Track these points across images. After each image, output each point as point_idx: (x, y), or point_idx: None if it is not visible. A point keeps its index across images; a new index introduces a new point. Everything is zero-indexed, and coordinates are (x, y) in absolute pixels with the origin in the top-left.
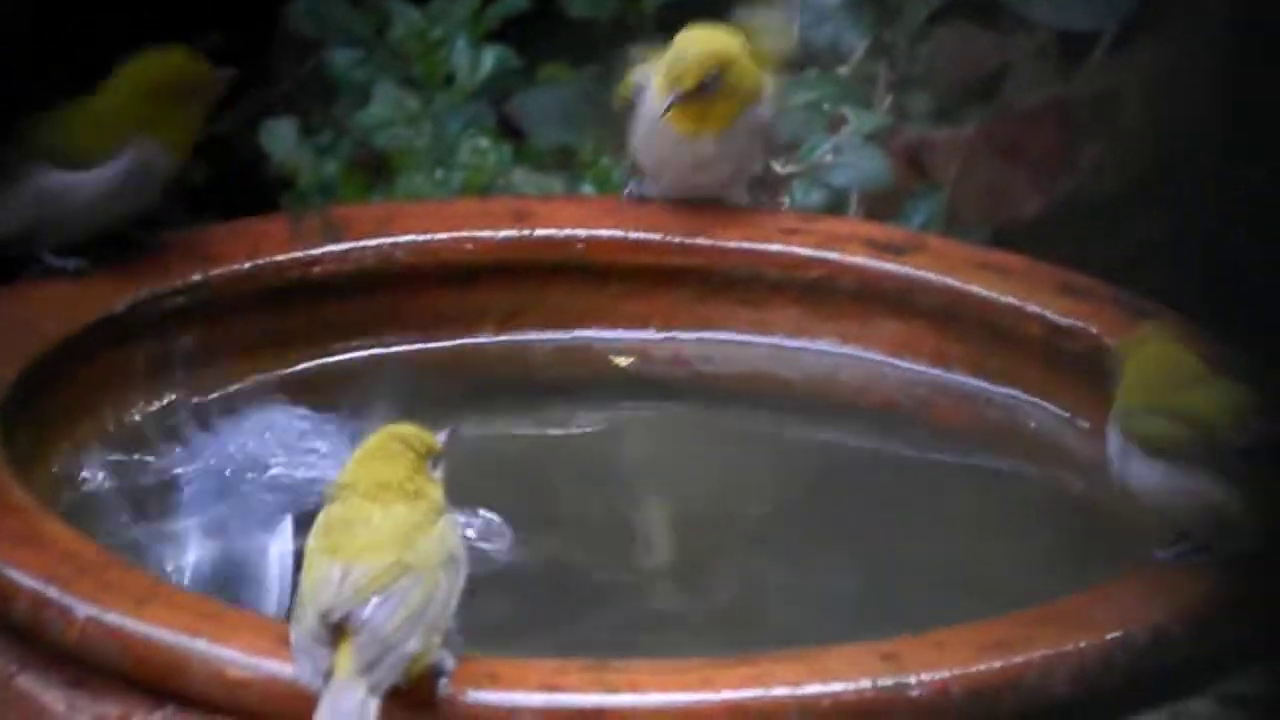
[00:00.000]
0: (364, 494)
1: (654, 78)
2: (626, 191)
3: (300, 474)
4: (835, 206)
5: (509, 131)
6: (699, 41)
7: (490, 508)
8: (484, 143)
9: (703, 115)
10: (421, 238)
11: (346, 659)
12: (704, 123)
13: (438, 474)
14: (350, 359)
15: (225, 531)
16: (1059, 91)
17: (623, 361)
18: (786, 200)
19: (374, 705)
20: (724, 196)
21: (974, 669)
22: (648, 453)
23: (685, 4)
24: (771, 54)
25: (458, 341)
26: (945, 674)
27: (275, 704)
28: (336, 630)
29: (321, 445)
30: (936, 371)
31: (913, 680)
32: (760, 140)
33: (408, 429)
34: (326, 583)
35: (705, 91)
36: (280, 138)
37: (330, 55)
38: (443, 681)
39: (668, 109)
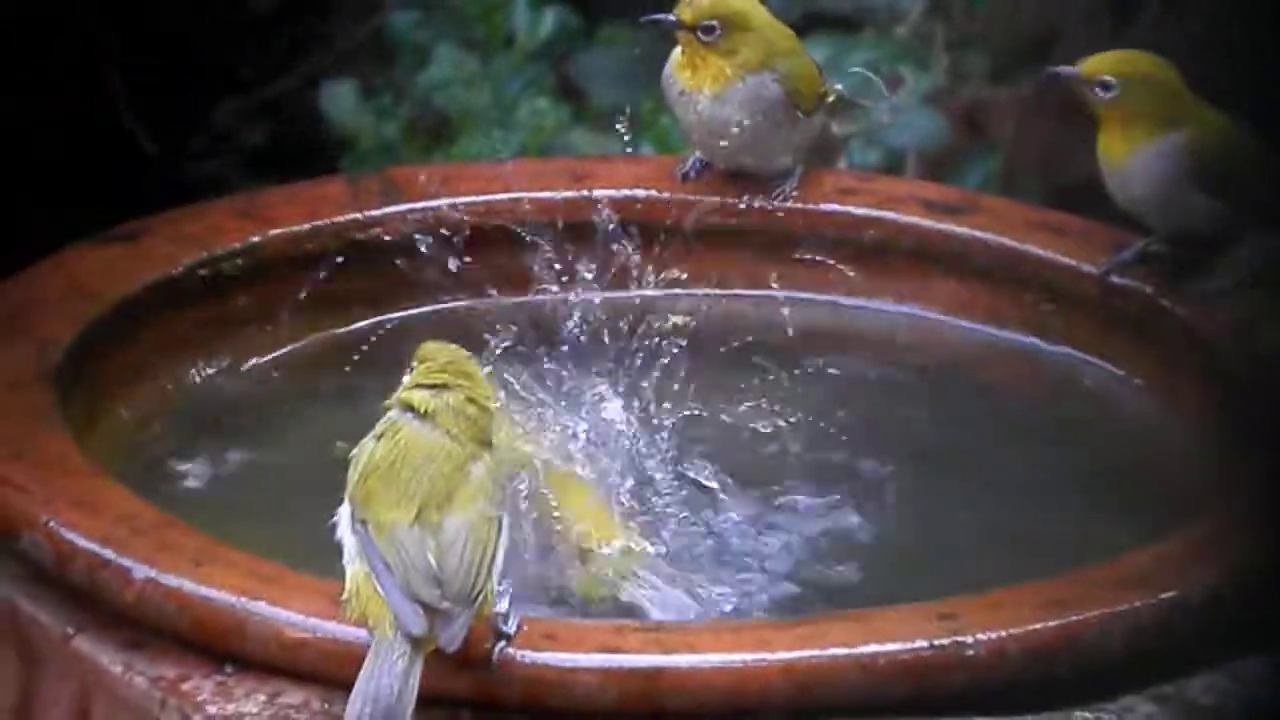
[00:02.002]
0: (428, 417)
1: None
2: (681, 168)
3: None
4: (892, 166)
5: (568, 92)
6: None
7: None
8: (543, 103)
9: (697, 68)
10: (480, 198)
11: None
12: (698, 76)
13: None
14: (408, 317)
15: None
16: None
17: (679, 320)
18: (844, 160)
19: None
20: (768, 168)
21: (1030, 628)
22: (706, 411)
23: None
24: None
25: (515, 300)
26: (1002, 633)
27: (332, 665)
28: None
29: None
30: (992, 330)
31: (969, 640)
32: (772, 116)
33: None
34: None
35: (699, 35)
36: (340, 100)
37: (390, 17)
38: (500, 645)
39: (654, 20)
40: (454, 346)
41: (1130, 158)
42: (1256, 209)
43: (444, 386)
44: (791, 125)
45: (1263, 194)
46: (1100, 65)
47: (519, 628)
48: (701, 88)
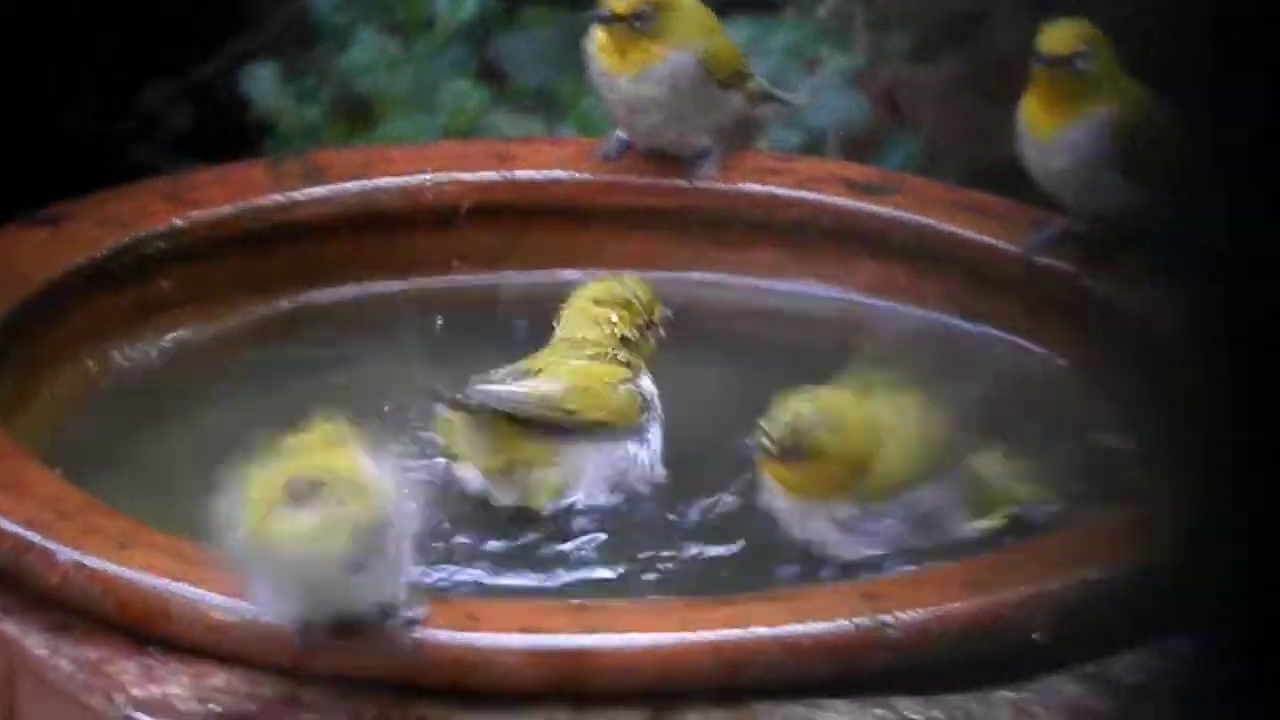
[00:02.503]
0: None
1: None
2: (603, 148)
3: None
4: (813, 147)
5: (490, 74)
6: None
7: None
8: (465, 86)
9: (623, 51)
10: (402, 180)
11: None
12: (622, 60)
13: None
14: (330, 298)
15: None
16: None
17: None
18: (765, 141)
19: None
20: (689, 148)
21: (953, 608)
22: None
23: None
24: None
25: (438, 282)
26: (925, 613)
27: (256, 646)
28: None
29: None
30: (915, 311)
31: (892, 619)
32: (693, 94)
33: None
34: None
35: (634, 24)
36: (262, 83)
37: (312, 0)
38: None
39: (596, 20)
40: None
41: (1058, 132)
42: (1173, 195)
43: None
44: (711, 102)
45: (1180, 179)
46: (1072, 37)
47: (427, 609)
48: (621, 70)
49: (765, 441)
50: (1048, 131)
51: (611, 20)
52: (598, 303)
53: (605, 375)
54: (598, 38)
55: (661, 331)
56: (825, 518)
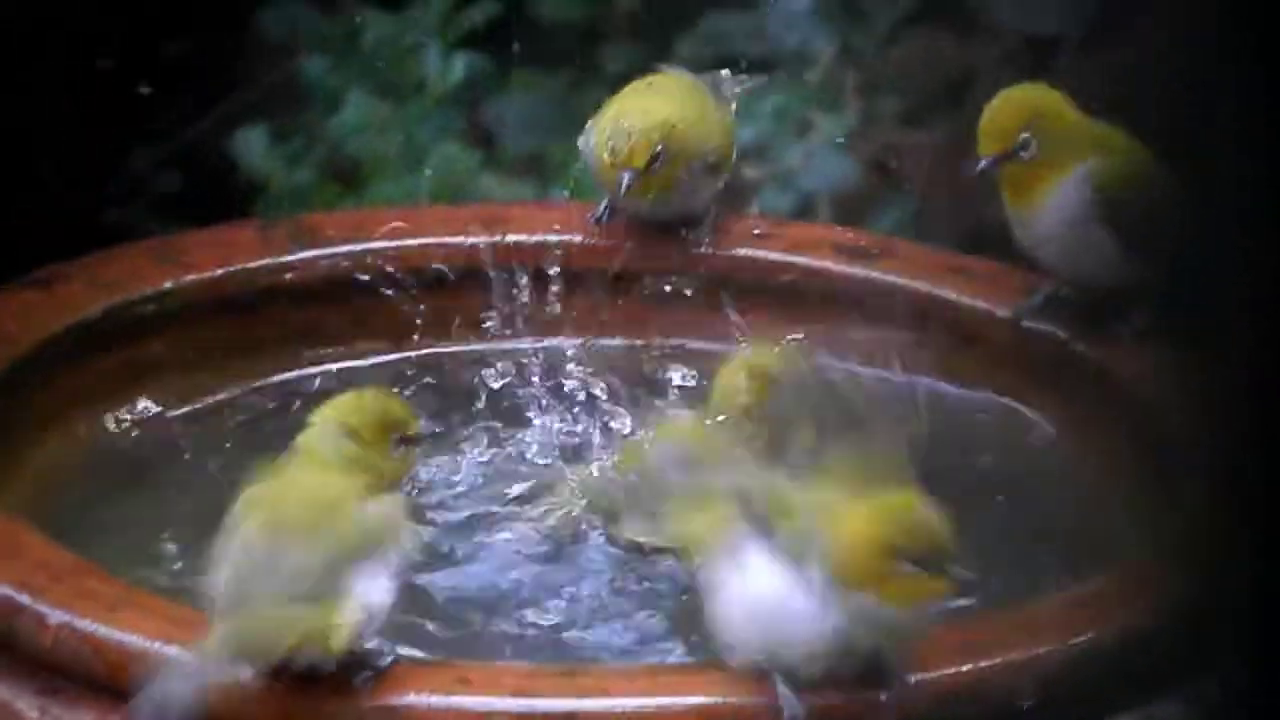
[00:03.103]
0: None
1: (594, 135)
2: (595, 213)
3: None
4: (804, 211)
5: (480, 138)
6: (640, 115)
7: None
8: (455, 149)
9: (648, 184)
10: (392, 244)
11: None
12: (648, 190)
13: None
14: (321, 361)
15: None
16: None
17: (580, 369)
18: (756, 205)
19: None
20: (683, 214)
21: (942, 673)
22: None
23: (654, 11)
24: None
25: (428, 350)
26: (918, 677)
27: (247, 710)
28: None
29: None
30: (905, 375)
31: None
32: (706, 181)
33: (385, 399)
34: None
35: (653, 166)
36: (251, 145)
37: (302, 63)
38: (364, 675)
39: (626, 189)
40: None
41: (1043, 201)
42: (1161, 247)
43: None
44: (707, 177)
45: (1169, 230)
46: (1008, 129)
47: (393, 660)
48: (647, 196)
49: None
50: (1028, 205)
51: (637, 177)
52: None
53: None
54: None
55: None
56: None
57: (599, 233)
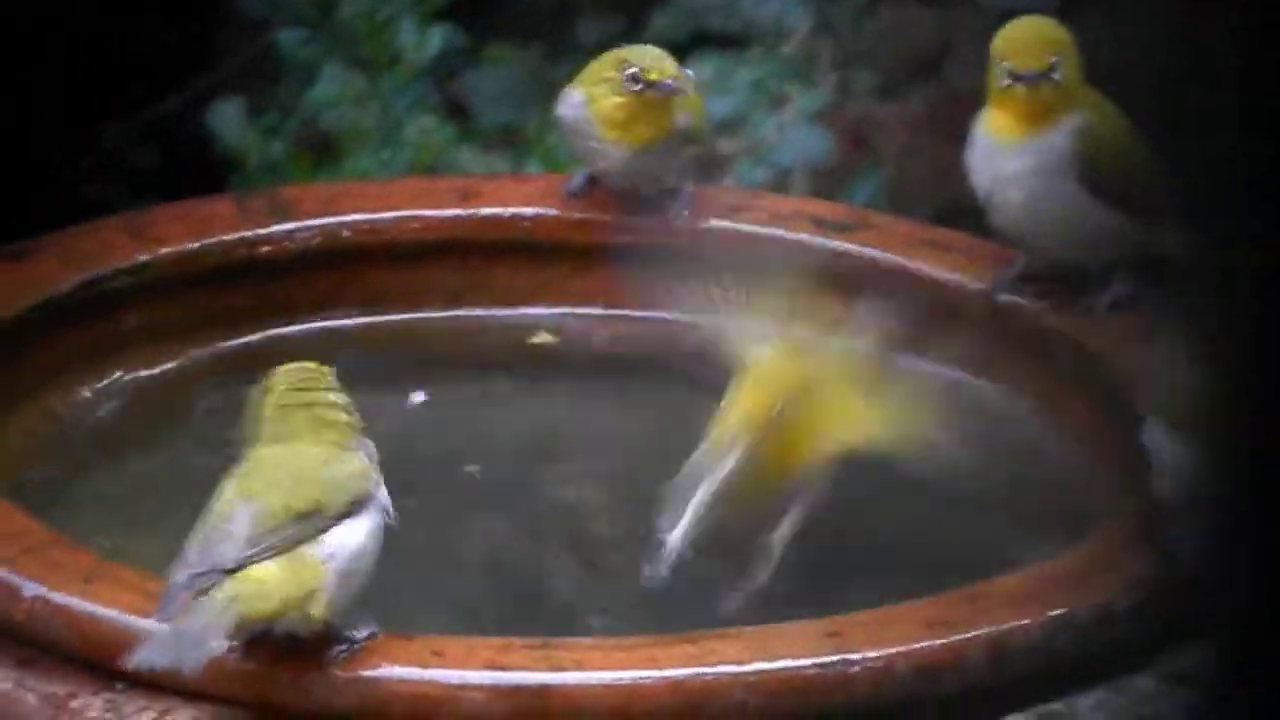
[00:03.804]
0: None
1: (584, 93)
2: (569, 185)
3: None
4: (779, 184)
5: (455, 111)
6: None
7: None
8: (430, 122)
9: (627, 125)
10: (367, 216)
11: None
12: (627, 133)
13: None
14: (296, 333)
15: None
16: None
17: (546, 338)
18: (731, 178)
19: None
20: (660, 187)
21: (917, 646)
22: (584, 428)
23: None
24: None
25: (403, 318)
26: (889, 651)
27: (221, 682)
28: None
29: None
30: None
31: (856, 657)
32: (679, 151)
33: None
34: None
35: (676, 88)
36: (227, 119)
37: (277, 35)
38: (340, 648)
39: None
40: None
41: (1030, 137)
42: (1138, 211)
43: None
44: (684, 145)
45: (1144, 196)
46: (1041, 50)
47: (370, 635)
48: (621, 142)
49: None
50: (1015, 136)
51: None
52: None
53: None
54: (596, 102)
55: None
56: None
57: (576, 206)
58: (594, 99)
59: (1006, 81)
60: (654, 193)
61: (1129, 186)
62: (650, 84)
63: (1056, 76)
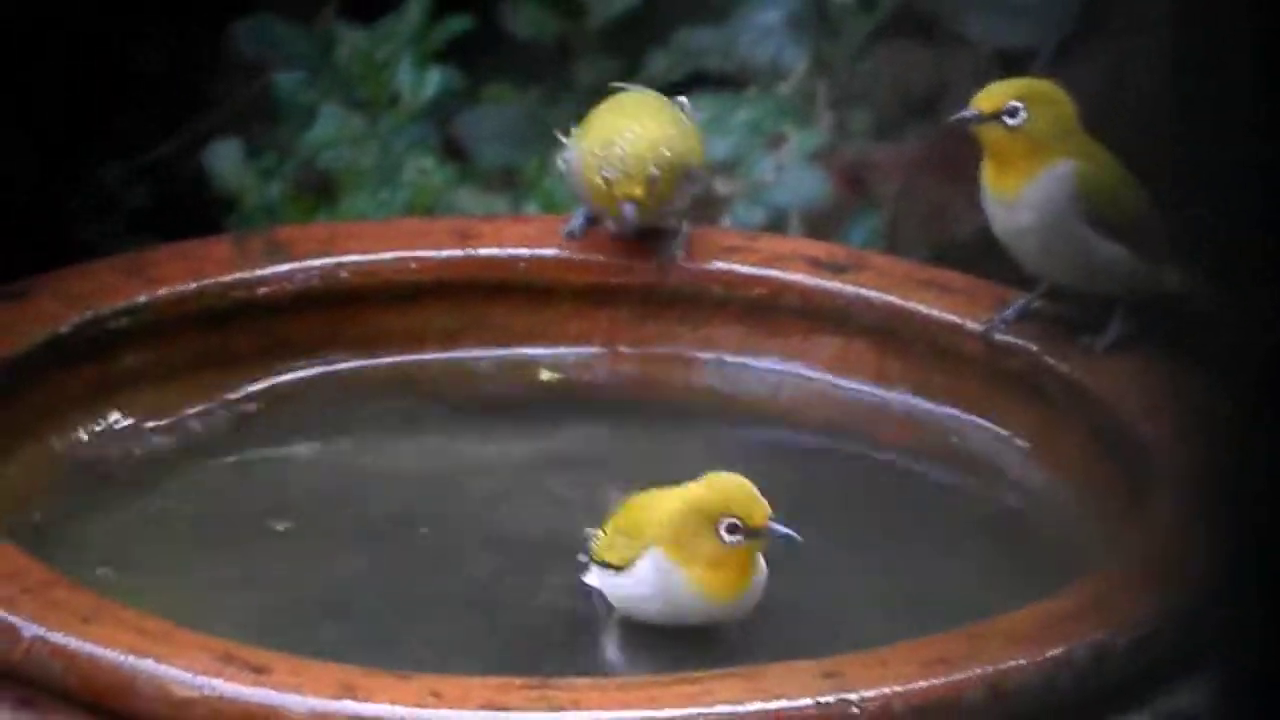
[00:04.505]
0: None
1: (576, 153)
2: (568, 226)
3: None
4: (776, 225)
5: (453, 152)
6: (631, 141)
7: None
8: (428, 163)
9: (644, 208)
10: (365, 257)
11: None
12: (645, 213)
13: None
14: (295, 374)
15: None
16: None
17: (547, 377)
18: (728, 219)
19: None
20: (660, 228)
21: (916, 686)
22: (587, 470)
23: (626, 26)
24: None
25: (401, 359)
26: (887, 691)
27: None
28: None
29: None
30: (877, 389)
31: (855, 697)
32: (686, 195)
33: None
34: None
35: (651, 192)
36: (224, 160)
37: (275, 77)
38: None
39: (631, 221)
40: None
41: (1025, 188)
42: (1143, 249)
43: None
44: (687, 191)
45: (1146, 236)
46: (1001, 94)
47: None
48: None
49: None
50: (1010, 190)
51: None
52: None
53: None
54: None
55: None
56: None
57: (574, 246)
58: (587, 167)
59: (962, 114)
60: (653, 233)
61: (1128, 224)
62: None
63: (1013, 121)
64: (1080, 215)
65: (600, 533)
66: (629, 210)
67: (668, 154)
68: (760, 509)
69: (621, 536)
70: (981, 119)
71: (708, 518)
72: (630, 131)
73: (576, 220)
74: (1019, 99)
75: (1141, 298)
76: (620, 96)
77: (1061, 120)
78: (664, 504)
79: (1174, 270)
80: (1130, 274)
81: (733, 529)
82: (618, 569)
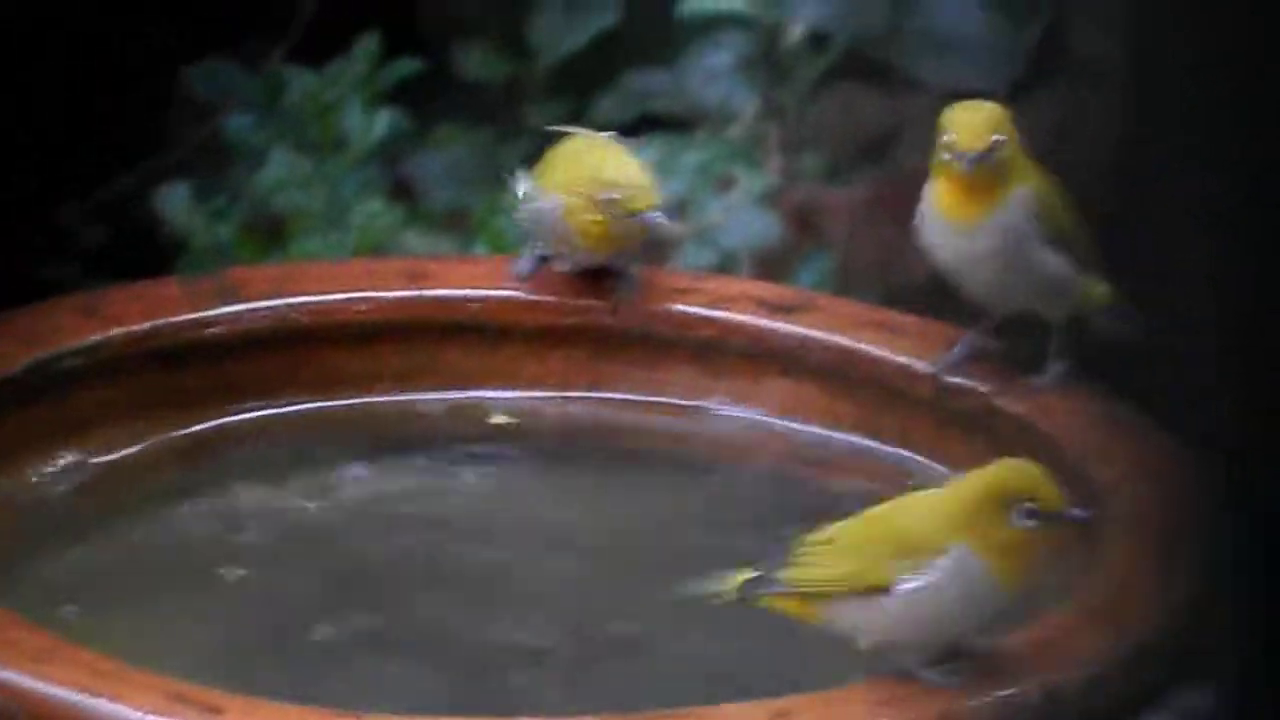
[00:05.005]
0: None
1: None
2: (517, 266)
3: None
4: (725, 267)
5: (402, 193)
6: (628, 166)
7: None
8: (377, 205)
9: (607, 239)
10: (316, 298)
11: None
12: (604, 243)
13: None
14: (246, 415)
15: None
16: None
17: (500, 420)
18: (678, 261)
19: None
20: (610, 269)
21: (909, 715)
22: (536, 512)
23: (575, 68)
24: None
25: (353, 401)
26: None
27: None
28: None
29: None
30: (826, 431)
31: None
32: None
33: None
34: None
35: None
36: (175, 202)
37: (226, 120)
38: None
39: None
40: None
41: (990, 214)
42: (1081, 259)
43: None
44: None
45: (1082, 245)
46: (983, 130)
47: None
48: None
49: None
50: (972, 218)
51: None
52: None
53: None
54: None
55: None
56: None
57: (525, 287)
58: (571, 210)
59: (947, 156)
60: (602, 274)
61: (1070, 237)
62: (633, 214)
63: (997, 156)
64: (1038, 236)
65: (799, 569)
66: (652, 218)
67: (629, 196)
68: (1057, 492)
69: (869, 555)
70: (985, 158)
71: (1003, 503)
72: (613, 161)
73: (526, 262)
74: (998, 132)
75: (1075, 320)
76: (574, 140)
77: (1017, 144)
78: (932, 505)
79: (1101, 282)
80: (1072, 288)
81: (1031, 514)
82: (871, 592)
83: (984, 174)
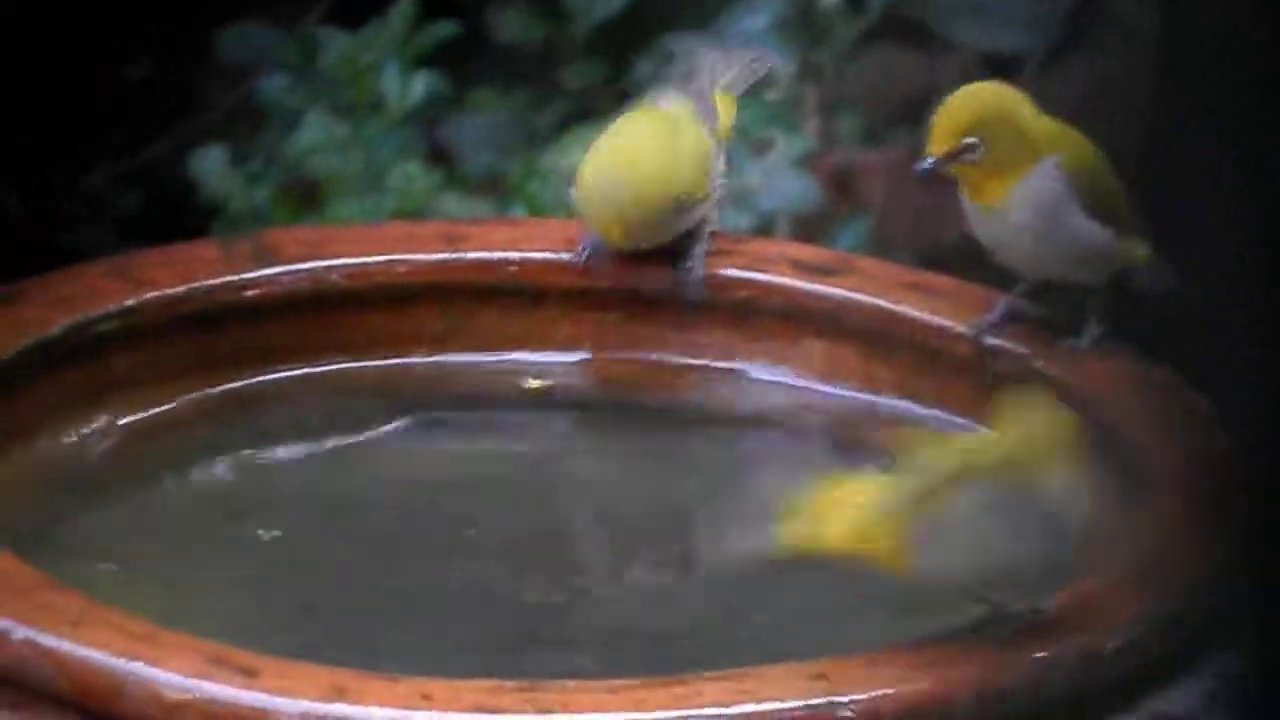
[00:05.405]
0: None
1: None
2: (578, 254)
3: None
4: (763, 230)
5: (439, 157)
6: (612, 187)
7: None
8: (414, 168)
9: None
10: (353, 260)
11: None
12: (622, 240)
13: None
14: (281, 377)
15: None
16: None
17: (535, 383)
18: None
19: None
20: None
21: (905, 688)
22: (572, 474)
23: (612, 31)
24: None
25: (389, 363)
26: (876, 693)
27: None
28: None
29: None
30: (864, 394)
31: (844, 699)
32: (680, 218)
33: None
34: None
35: (627, 229)
36: (210, 165)
37: (260, 83)
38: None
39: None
40: None
41: (1009, 196)
42: (1122, 224)
43: None
44: (679, 215)
45: (1124, 209)
46: (951, 133)
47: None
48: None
49: None
50: (993, 201)
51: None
52: None
53: None
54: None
55: None
56: None
57: (561, 244)
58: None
59: (922, 166)
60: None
61: (1112, 201)
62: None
63: (972, 157)
64: (1071, 205)
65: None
66: (598, 243)
67: (640, 193)
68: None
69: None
70: (942, 164)
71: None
72: (609, 172)
73: (584, 245)
74: (971, 135)
75: (1114, 283)
76: (625, 120)
77: (1022, 128)
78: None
79: (1142, 243)
80: (1111, 253)
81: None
82: None
83: (972, 171)
